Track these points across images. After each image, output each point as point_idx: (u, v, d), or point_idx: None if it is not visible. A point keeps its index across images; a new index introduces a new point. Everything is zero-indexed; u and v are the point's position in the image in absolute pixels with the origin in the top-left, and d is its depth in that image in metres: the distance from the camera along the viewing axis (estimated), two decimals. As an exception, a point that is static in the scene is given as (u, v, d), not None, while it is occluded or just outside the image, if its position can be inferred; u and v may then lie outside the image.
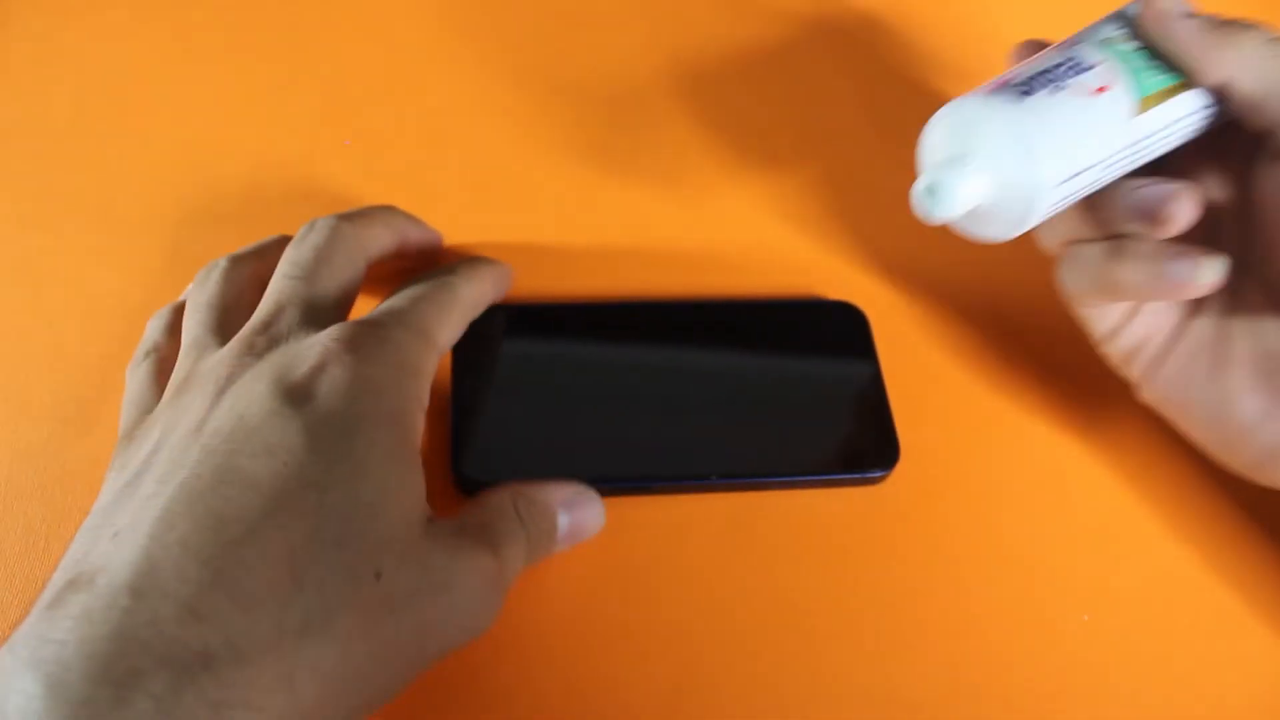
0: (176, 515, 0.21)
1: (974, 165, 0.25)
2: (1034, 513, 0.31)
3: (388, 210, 0.32)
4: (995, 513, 0.31)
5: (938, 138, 0.26)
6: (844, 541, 0.30)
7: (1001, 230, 0.26)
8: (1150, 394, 0.29)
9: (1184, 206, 0.25)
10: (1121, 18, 0.27)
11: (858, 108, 0.41)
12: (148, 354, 0.29)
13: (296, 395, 0.23)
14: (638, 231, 0.36)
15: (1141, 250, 0.26)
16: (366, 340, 0.25)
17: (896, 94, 0.41)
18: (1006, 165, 0.25)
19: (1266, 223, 0.26)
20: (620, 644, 0.28)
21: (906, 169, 0.37)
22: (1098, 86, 0.25)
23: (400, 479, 0.24)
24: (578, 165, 0.37)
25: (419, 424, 0.25)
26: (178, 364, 0.27)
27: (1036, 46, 0.28)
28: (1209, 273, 0.25)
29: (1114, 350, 0.29)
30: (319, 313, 0.27)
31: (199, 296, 0.29)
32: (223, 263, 0.30)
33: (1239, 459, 0.27)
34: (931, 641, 0.29)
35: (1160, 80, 0.26)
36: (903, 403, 0.32)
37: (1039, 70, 0.25)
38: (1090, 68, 0.25)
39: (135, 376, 0.28)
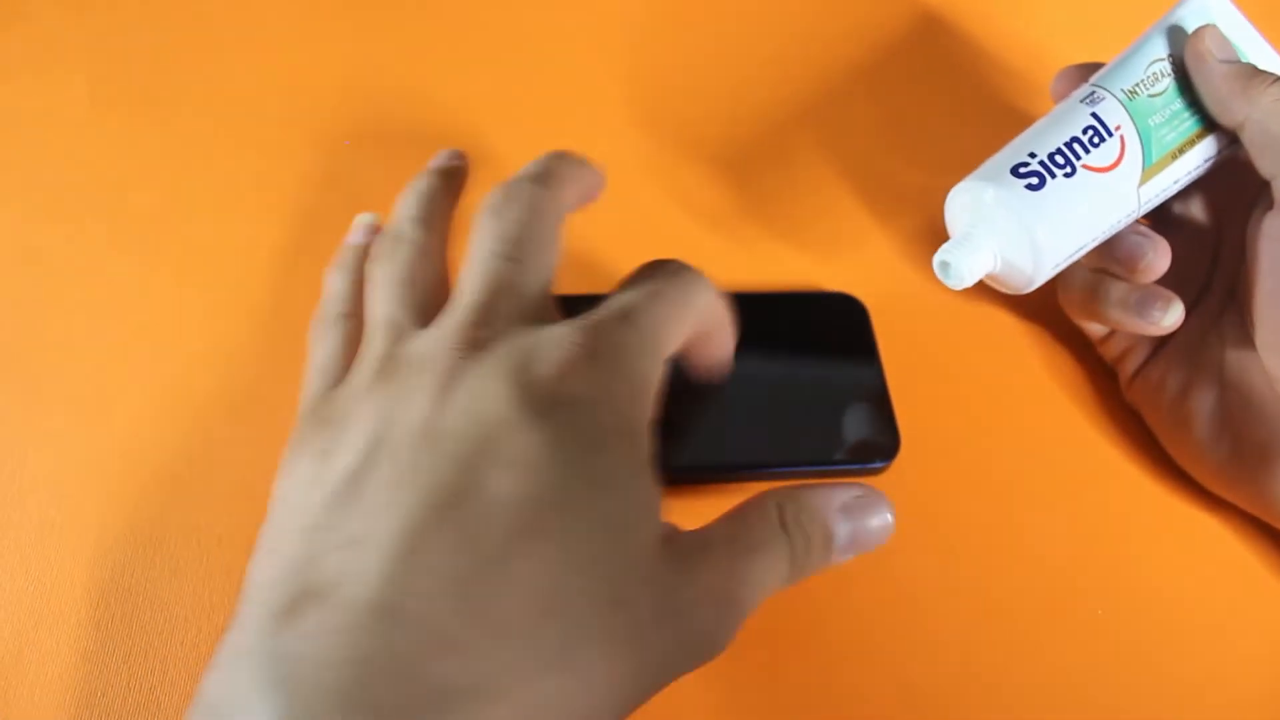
0: (421, 531, 0.19)
1: (983, 248, 0.28)
2: (1040, 504, 0.31)
3: (567, 162, 0.28)
4: (1001, 504, 0.31)
5: (957, 209, 0.30)
6: None
7: (1008, 289, 0.30)
8: (1131, 396, 0.32)
9: (1158, 262, 0.28)
10: (1166, 38, 0.29)
11: (861, 100, 0.40)
12: (338, 316, 0.27)
13: (540, 403, 0.21)
14: (637, 227, 0.36)
15: (1116, 292, 0.29)
16: (607, 347, 0.23)
17: (901, 86, 0.41)
18: (1012, 252, 0.28)
19: (1249, 264, 0.28)
20: None
21: (910, 162, 0.37)
22: (1108, 163, 0.28)
23: (641, 498, 0.22)
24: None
25: (651, 440, 0.23)
26: (369, 340, 0.25)
27: (1077, 73, 0.31)
28: (1169, 320, 0.29)
29: (1105, 353, 0.33)
30: (534, 298, 0.24)
31: (389, 267, 0.26)
32: (406, 227, 0.27)
33: (1196, 470, 0.30)
34: (937, 635, 0.29)
35: (1172, 138, 0.28)
36: (904, 394, 0.32)
37: (1059, 146, 0.28)
38: (1107, 136, 0.28)
39: (326, 339, 0.26)
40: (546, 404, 0.21)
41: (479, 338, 0.23)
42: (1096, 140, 0.28)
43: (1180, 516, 0.31)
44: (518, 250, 0.25)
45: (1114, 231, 0.29)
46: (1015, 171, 0.28)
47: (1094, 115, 0.28)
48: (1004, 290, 0.30)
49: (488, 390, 0.21)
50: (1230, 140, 0.29)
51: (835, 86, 0.41)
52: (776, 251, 0.36)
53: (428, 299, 0.25)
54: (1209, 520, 0.31)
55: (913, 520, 0.30)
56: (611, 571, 0.20)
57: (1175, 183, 0.29)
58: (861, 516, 0.25)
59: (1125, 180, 0.28)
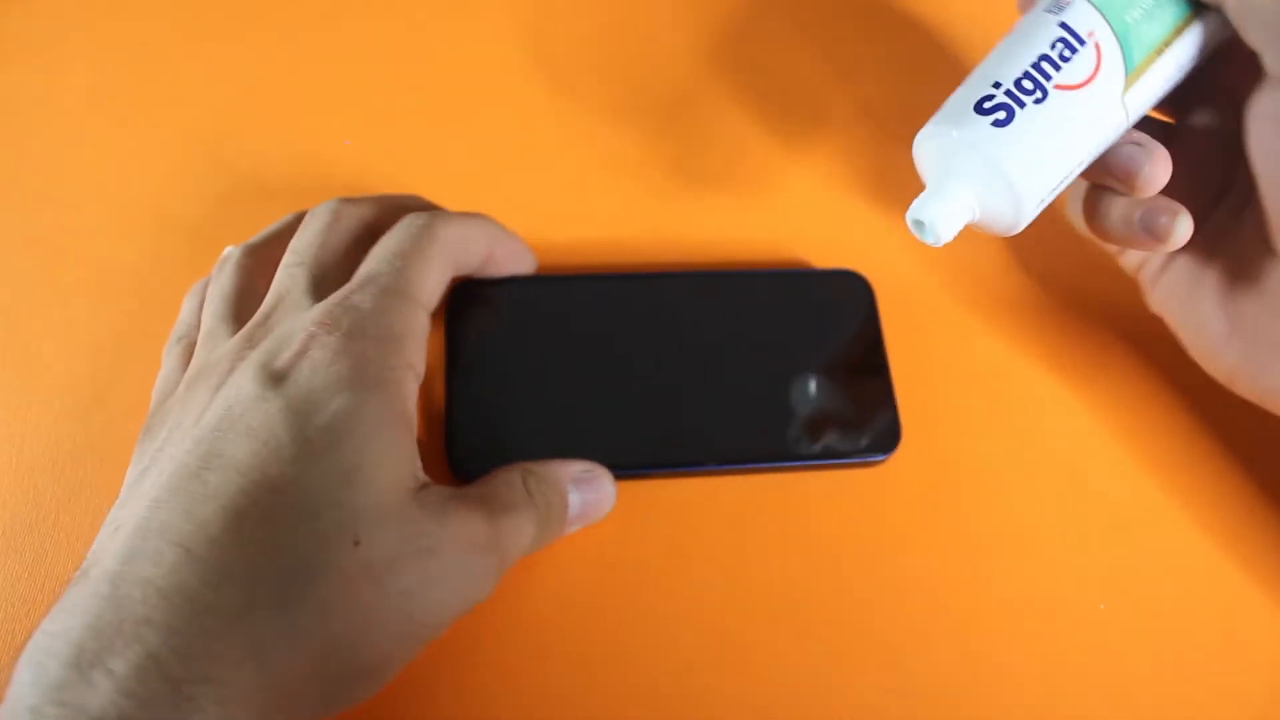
0: (160, 503, 0.22)
1: (957, 198, 0.26)
2: (1044, 495, 0.31)
3: (401, 195, 0.31)
4: (1003, 497, 0.31)
5: (925, 158, 0.27)
6: (845, 525, 0.30)
7: (997, 233, 0.27)
8: (1152, 304, 0.31)
9: (1158, 172, 0.26)
10: None
11: (867, 77, 0.40)
12: (179, 339, 0.29)
13: (276, 378, 0.24)
14: (640, 213, 0.36)
15: (1118, 209, 0.27)
16: (345, 315, 0.25)
17: (905, 62, 0.40)
18: (990, 197, 0.26)
19: (1250, 151, 0.26)
20: (618, 631, 0.28)
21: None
22: (1083, 78, 0.25)
23: (385, 444, 0.24)
24: (583, 149, 0.37)
25: (409, 389, 0.25)
26: (194, 354, 0.28)
27: None
28: (1176, 235, 0.26)
29: (1124, 264, 0.31)
30: (318, 297, 0.27)
31: (214, 287, 0.29)
32: (235, 252, 0.30)
33: (1214, 369, 0.29)
34: (938, 629, 0.29)
35: (1155, 32, 0.25)
36: (908, 379, 0.31)
37: (1025, 70, 0.25)
38: (1079, 46, 0.25)
39: (166, 361, 0.29)
40: (280, 378, 0.24)
41: (255, 338, 0.26)
42: (1067, 53, 0.25)
43: (1185, 512, 0.31)
44: (306, 258, 0.27)
45: (1104, 148, 0.26)
46: (979, 108, 0.25)
47: (1062, 25, 0.25)
48: (993, 234, 0.28)
49: (242, 381, 0.24)
50: (1222, 21, 0.26)
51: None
52: (781, 233, 0.35)
53: (246, 309, 0.28)
54: (1214, 515, 0.31)
55: (915, 513, 0.30)
56: (343, 515, 0.22)
57: (1166, 80, 0.26)
58: (589, 489, 0.28)
59: (1106, 92, 0.25)
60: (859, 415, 0.30)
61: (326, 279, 0.27)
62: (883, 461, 0.30)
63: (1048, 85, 0.25)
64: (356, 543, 0.22)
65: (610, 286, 0.32)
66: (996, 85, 0.25)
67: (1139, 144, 0.26)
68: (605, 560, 0.29)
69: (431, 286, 0.27)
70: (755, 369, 0.31)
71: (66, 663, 0.19)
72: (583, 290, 0.32)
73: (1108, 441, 0.32)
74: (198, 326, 0.29)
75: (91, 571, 0.21)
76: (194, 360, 0.27)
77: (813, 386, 0.30)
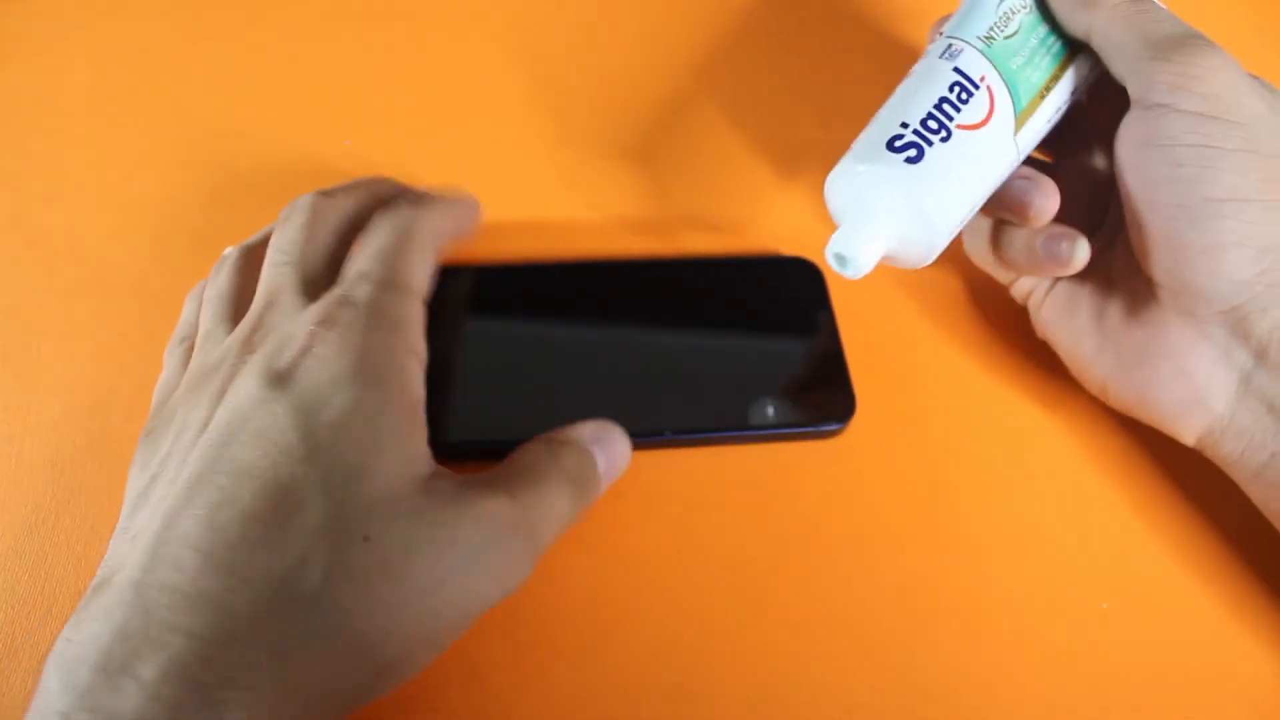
0: (177, 511, 0.22)
1: (875, 233, 0.27)
2: (993, 469, 0.31)
3: (371, 180, 0.31)
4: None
5: (838, 195, 0.28)
6: (802, 495, 0.30)
7: (908, 265, 0.29)
8: (1037, 328, 0.32)
9: (1048, 203, 0.28)
10: None
11: (820, 62, 0.40)
12: (181, 340, 0.29)
13: (280, 380, 0.23)
14: (605, 201, 0.36)
15: (1019, 240, 0.29)
16: (343, 312, 0.25)
17: (856, 43, 0.40)
18: (904, 230, 0.27)
19: (1119, 171, 0.27)
20: (576, 602, 0.28)
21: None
22: (980, 119, 0.27)
23: (392, 435, 0.24)
24: (552, 141, 0.37)
25: (413, 374, 0.25)
26: (194, 356, 0.28)
27: None
28: (1077, 258, 0.28)
29: (1016, 294, 0.33)
30: (310, 293, 0.27)
31: (211, 288, 0.29)
32: (233, 254, 0.30)
33: (1089, 382, 0.30)
34: (910, 604, 0.28)
35: (1037, 77, 0.28)
36: (861, 359, 0.32)
37: (929, 110, 0.27)
38: (973, 92, 0.27)
39: (167, 363, 0.29)
40: (285, 379, 0.23)
41: (253, 340, 0.26)
42: (965, 96, 0.27)
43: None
44: (291, 255, 0.27)
45: (1000, 183, 0.28)
46: (891, 145, 0.26)
47: (957, 70, 0.27)
48: (902, 267, 0.29)
49: (247, 384, 0.24)
50: (1094, 62, 0.28)
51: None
52: (733, 218, 0.36)
53: (243, 310, 0.28)
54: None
55: (869, 483, 0.30)
56: (351, 512, 0.22)
57: (1048, 121, 0.28)
58: (609, 444, 0.27)
59: (1000, 131, 0.27)
60: (815, 387, 0.31)
61: (315, 275, 0.27)
62: (840, 431, 0.31)
63: (950, 125, 0.26)
64: (367, 539, 0.22)
65: (571, 272, 0.33)
66: (904, 125, 0.27)
67: (1028, 179, 0.28)
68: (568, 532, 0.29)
69: (422, 273, 0.28)
70: (714, 348, 0.32)
71: (95, 668, 0.19)
72: (545, 277, 0.33)
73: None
74: (198, 329, 0.29)
75: (114, 579, 0.21)
76: (193, 361, 0.27)
77: (770, 362, 0.31)
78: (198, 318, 0.30)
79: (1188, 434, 0.28)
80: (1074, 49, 0.28)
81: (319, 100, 0.37)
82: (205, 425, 0.24)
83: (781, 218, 0.36)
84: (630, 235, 0.35)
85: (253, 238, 0.31)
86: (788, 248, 0.35)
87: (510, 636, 0.27)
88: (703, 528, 0.29)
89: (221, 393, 0.24)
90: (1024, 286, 0.32)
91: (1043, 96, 0.27)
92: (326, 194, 0.29)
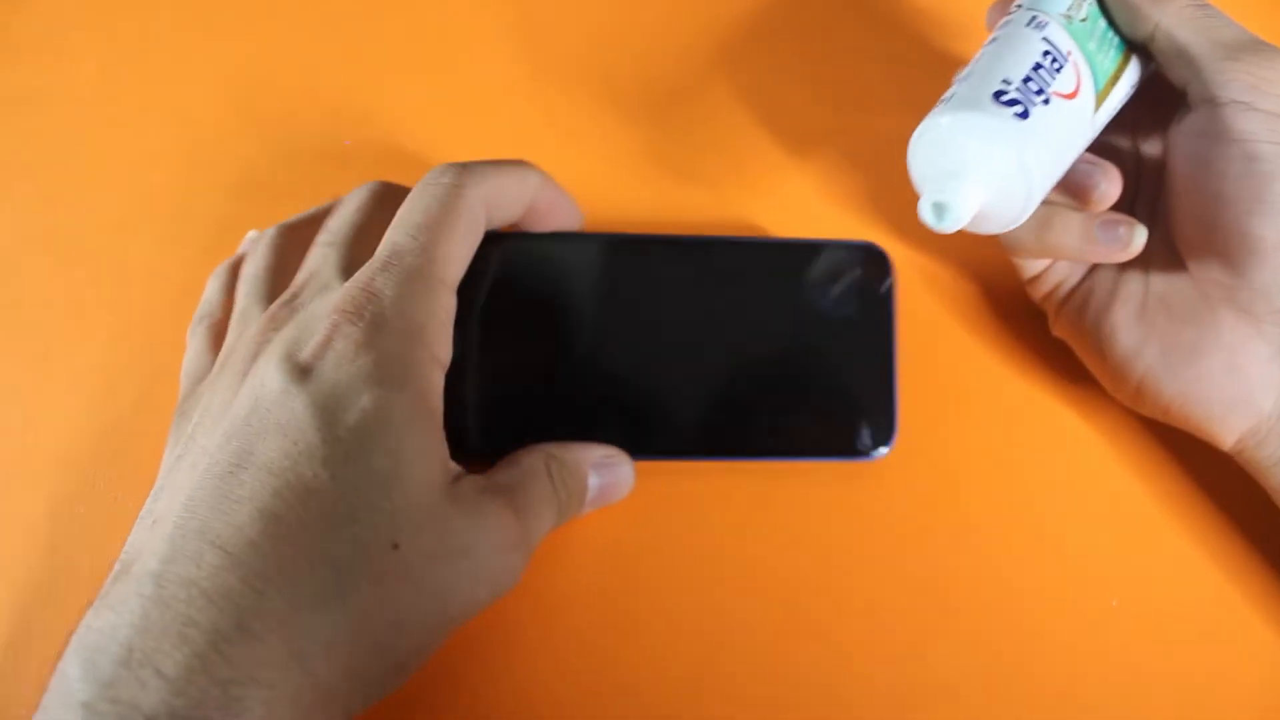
0: (197, 502, 0.22)
1: (978, 183, 0.26)
2: (1048, 492, 0.31)
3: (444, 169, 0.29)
4: (1008, 492, 0.31)
5: (930, 148, 0.27)
6: (842, 517, 0.30)
7: (993, 229, 0.28)
8: (1056, 329, 0.32)
9: (1112, 189, 0.27)
10: None
11: (891, 64, 0.39)
12: (201, 319, 0.29)
13: (300, 371, 0.23)
14: (647, 205, 0.35)
15: (1074, 223, 0.28)
16: (368, 304, 0.24)
17: (921, 48, 0.39)
18: (1007, 183, 0.26)
19: (1172, 177, 0.28)
20: (607, 617, 0.28)
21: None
22: (1071, 90, 0.26)
23: (416, 442, 0.24)
24: (586, 148, 0.37)
25: (434, 381, 0.25)
26: (227, 335, 0.28)
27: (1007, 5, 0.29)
28: (1135, 244, 0.27)
29: (1034, 291, 0.32)
30: (346, 268, 0.26)
31: (247, 266, 0.29)
32: (272, 230, 0.30)
33: (1120, 390, 0.30)
34: (944, 626, 0.29)
35: (1109, 62, 0.27)
36: (914, 371, 0.31)
37: (1027, 73, 0.26)
38: (1063, 63, 0.27)
39: (192, 343, 0.29)
40: (305, 371, 0.23)
41: (280, 317, 0.25)
42: (1057, 66, 0.26)
43: (1200, 508, 0.31)
44: (339, 237, 0.27)
45: (1077, 158, 0.28)
46: (999, 99, 0.26)
47: (1046, 39, 0.27)
48: (982, 231, 0.28)
49: (266, 368, 0.24)
50: (1147, 61, 0.28)
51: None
52: (798, 217, 0.35)
53: (280, 289, 0.27)
54: (1228, 511, 0.30)
55: (914, 509, 0.30)
56: (380, 519, 0.22)
57: (1115, 109, 0.28)
58: (608, 474, 0.28)
59: (1085, 106, 0.27)
60: (857, 408, 0.30)
61: (357, 260, 0.26)
62: (881, 458, 0.30)
63: (1048, 91, 0.26)
64: (395, 546, 0.22)
65: (614, 246, 0.30)
66: (1007, 81, 0.26)
67: (1092, 163, 0.28)
68: (596, 545, 0.29)
69: (457, 258, 0.26)
70: (756, 351, 0.30)
71: (117, 661, 0.20)
72: (584, 249, 0.30)
73: (1121, 435, 0.32)
74: (221, 306, 0.29)
75: (133, 569, 0.21)
76: (227, 340, 0.27)
77: (813, 375, 0.30)
78: (220, 296, 0.30)
79: (1228, 435, 0.28)
80: (1129, 50, 0.28)
81: (335, 90, 0.37)
82: (228, 406, 0.24)
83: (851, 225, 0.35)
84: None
85: (295, 216, 0.30)
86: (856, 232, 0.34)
87: (533, 643, 0.28)
88: (730, 543, 0.29)
89: (244, 374, 0.25)
90: (1050, 281, 0.31)
91: (1113, 83, 0.27)
92: (392, 184, 0.29)
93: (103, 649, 0.20)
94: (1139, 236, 0.27)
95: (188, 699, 0.19)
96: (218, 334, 0.29)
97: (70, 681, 0.20)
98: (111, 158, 0.35)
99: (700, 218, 0.35)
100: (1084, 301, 0.30)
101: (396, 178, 0.30)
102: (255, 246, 0.30)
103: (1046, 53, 0.26)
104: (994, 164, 0.26)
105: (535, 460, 0.27)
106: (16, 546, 0.28)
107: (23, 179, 0.34)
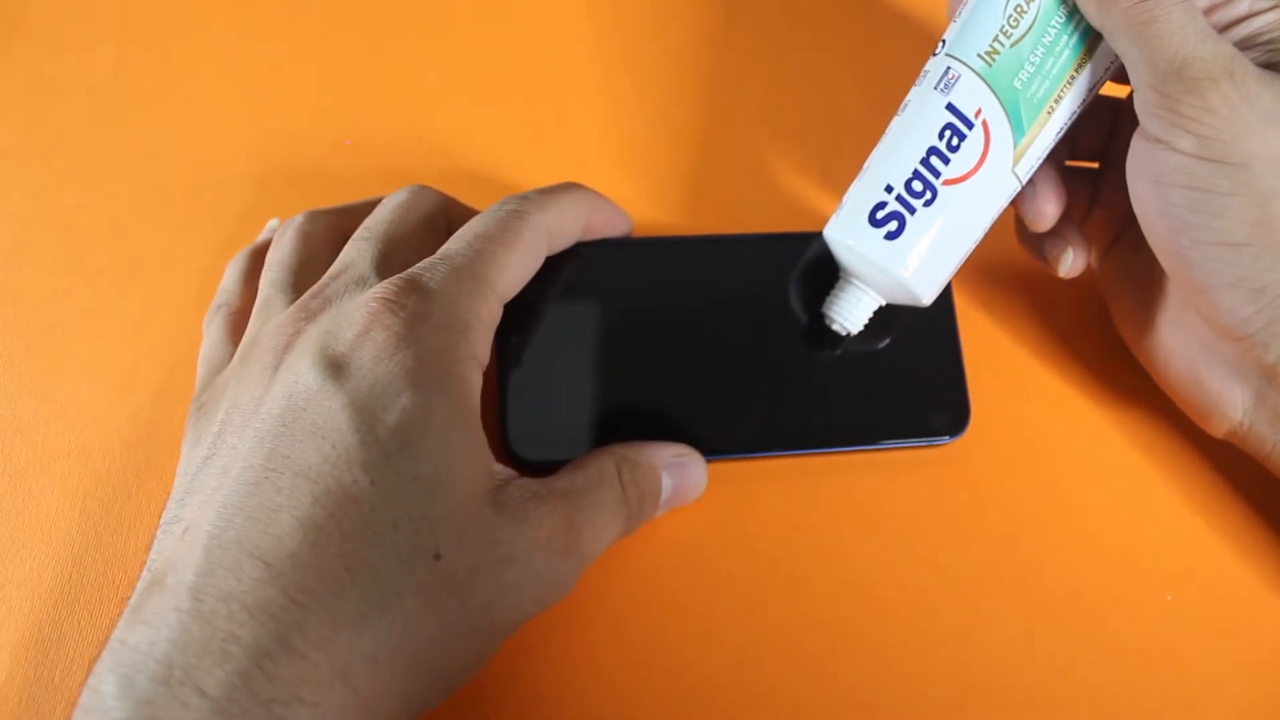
0: (233, 510, 0.21)
1: (860, 297, 0.28)
2: (1108, 485, 0.30)
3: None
4: (1069, 484, 0.30)
5: (834, 252, 0.28)
6: (909, 508, 0.29)
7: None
8: (1100, 271, 0.31)
9: (1045, 211, 0.28)
10: None
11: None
12: (220, 307, 0.28)
13: (337, 368, 0.22)
14: (660, 208, 0.34)
15: (1028, 234, 0.30)
16: (410, 294, 0.23)
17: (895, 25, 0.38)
18: (890, 294, 0.27)
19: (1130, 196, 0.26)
20: (683, 615, 0.27)
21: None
22: (970, 167, 0.25)
23: (458, 445, 0.22)
24: (591, 148, 0.36)
25: (475, 383, 0.24)
26: (250, 323, 0.26)
27: None
28: (1063, 268, 0.29)
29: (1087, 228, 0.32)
30: (384, 272, 0.25)
31: (273, 253, 0.28)
32: (298, 217, 0.28)
33: (1140, 356, 0.30)
34: (998, 617, 0.28)
35: (1045, 89, 0.25)
36: (978, 356, 0.31)
37: (914, 168, 0.26)
38: (967, 131, 0.25)
39: (209, 331, 0.28)
40: (341, 366, 0.22)
41: (312, 308, 0.24)
42: (956, 141, 0.25)
43: (1258, 503, 0.30)
44: (377, 233, 0.26)
45: (998, 215, 0.27)
46: (873, 219, 0.26)
47: (950, 107, 0.25)
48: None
49: (300, 363, 0.22)
50: (1110, 56, 0.26)
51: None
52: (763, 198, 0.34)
53: (306, 278, 0.26)
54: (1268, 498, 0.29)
55: (978, 497, 0.29)
56: (423, 527, 0.21)
57: (1057, 133, 0.26)
58: (681, 474, 0.27)
59: (996, 171, 0.26)
60: (927, 395, 0.29)
61: (394, 257, 0.26)
62: (950, 443, 0.29)
63: (936, 184, 0.25)
64: (438, 557, 0.21)
65: (670, 250, 0.30)
66: (889, 189, 0.26)
67: (1031, 184, 0.27)
68: (673, 542, 0.28)
69: (511, 276, 0.25)
70: (817, 344, 0.29)
71: (156, 679, 0.19)
72: (639, 254, 0.30)
73: (1184, 428, 0.30)
74: (240, 294, 0.28)
75: (167, 580, 0.20)
76: (249, 329, 0.26)
77: (880, 364, 0.29)
78: (238, 285, 0.29)
79: (1215, 432, 0.28)
80: (1094, 39, 0.26)
81: (351, 80, 0.36)
82: (259, 403, 0.23)
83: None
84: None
85: (325, 208, 0.29)
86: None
87: (597, 648, 0.27)
88: (802, 539, 0.28)
89: (275, 367, 0.23)
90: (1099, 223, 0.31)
91: (1050, 112, 0.25)
92: (432, 189, 0.28)
93: (140, 666, 0.19)
94: (1066, 262, 0.29)
95: (230, 718, 0.18)
96: (236, 323, 0.27)
97: (105, 699, 0.19)
98: (126, 145, 0.34)
99: (756, 214, 0.34)
100: (1114, 265, 0.30)
101: (407, 180, 0.29)
102: (282, 234, 0.28)
103: (946, 128, 0.25)
104: (870, 281, 0.27)
105: (605, 463, 0.25)
106: (29, 542, 0.27)
107: (37, 165, 0.33)
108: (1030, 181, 0.27)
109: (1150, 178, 0.24)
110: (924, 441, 0.29)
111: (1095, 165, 0.30)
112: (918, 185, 0.25)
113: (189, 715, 0.18)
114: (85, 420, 0.29)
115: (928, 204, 0.25)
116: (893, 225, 0.26)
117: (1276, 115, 0.23)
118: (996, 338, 0.32)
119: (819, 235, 0.28)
